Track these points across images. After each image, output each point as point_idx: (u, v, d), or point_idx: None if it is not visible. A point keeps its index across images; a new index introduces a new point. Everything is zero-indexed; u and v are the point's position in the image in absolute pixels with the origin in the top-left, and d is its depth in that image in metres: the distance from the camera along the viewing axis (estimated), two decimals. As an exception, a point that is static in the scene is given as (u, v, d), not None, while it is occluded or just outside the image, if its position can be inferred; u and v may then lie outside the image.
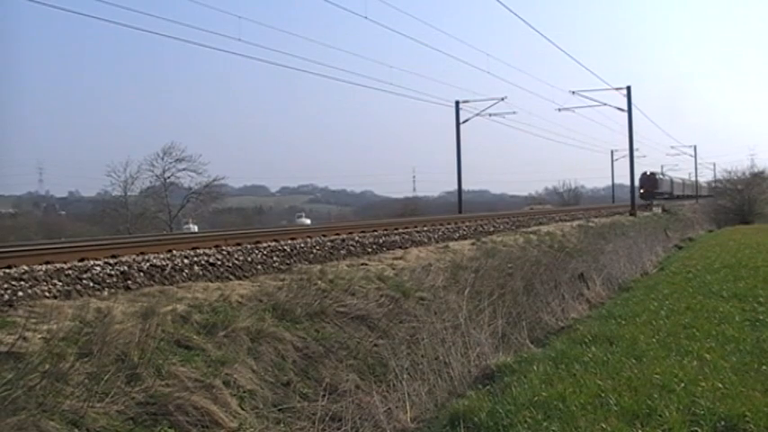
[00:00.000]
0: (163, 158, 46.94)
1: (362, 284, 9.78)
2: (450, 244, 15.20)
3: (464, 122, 35.94)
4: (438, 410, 5.93)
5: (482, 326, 8.10)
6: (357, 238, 13.72)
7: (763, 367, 5.86)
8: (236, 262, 9.93)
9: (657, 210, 42.27)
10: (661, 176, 61.71)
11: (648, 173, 60.33)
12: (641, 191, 57.42)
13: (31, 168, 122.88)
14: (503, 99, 34.93)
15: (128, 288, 7.94)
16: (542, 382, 5.71)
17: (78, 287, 7.52)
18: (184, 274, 8.89)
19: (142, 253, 9.49)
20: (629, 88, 36.05)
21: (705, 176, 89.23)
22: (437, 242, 15.67)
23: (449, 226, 18.43)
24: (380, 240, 14.10)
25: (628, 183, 44.30)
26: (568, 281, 12.91)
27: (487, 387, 5.99)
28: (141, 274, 8.41)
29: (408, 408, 6.05)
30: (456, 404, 5.53)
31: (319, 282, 9.29)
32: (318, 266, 10.45)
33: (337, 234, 14.11)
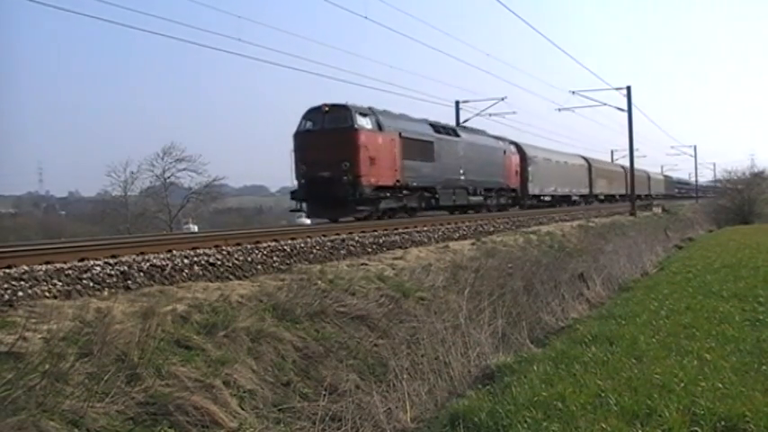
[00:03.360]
0: (163, 158, 47.11)
1: (362, 284, 9.78)
2: (451, 244, 15.19)
3: (464, 122, 35.94)
4: (438, 410, 5.93)
5: (482, 326, 8.10)
6: (357, 238, 13.71)
7: (764, 367, 5.86)
8: (236, 262, 9.93)
9: (657, 210, 42.24)
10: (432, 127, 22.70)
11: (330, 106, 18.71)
12: (302, 181, 18.59)
13: (31, 168, 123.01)
14: (503, 99, 34.32)
15: (128, 288, 7.93)
16: (542, 382, 5.71)
17: (78, 287, 7.51)
18: (184, 274, 8.88)
19: (142, 253, 9.49)
20: (629, 88, 36.03)
21: (705, 176, 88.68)
22: (437, 242, 15.65)
23: (449, 226, 18.41)
24: (380, 240, 14.09)
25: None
26: (568, 281, 12.91)
27: (487, 387, 5.99)
28: (141, 274, 8.40)
29: (408, 408, 6.05)
30: (456, 404, 5.53)
31: (319, 282, 9.29)
32: (318, 266, 10.45)
33: (337, 234, 14.10)
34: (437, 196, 22.34)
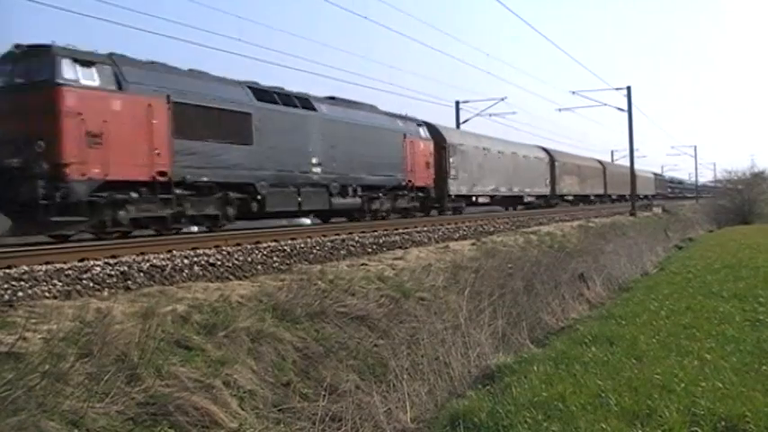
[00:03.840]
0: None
1: (362, 285, 9.78)
2: (451, 244, 15.20)
3: (464, 122, 35.93)
4: (438, 410, 5.93)
5: (482, 326, 8.10)
6: (357, 238, 13.72)
7: (764, 367, 5.86)
8: (236, 262, 9.94)
9: (657, 210, 42.25)
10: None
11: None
12: None
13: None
14: (503, 99, 34.35)
15: (128, 288, 7.95)
16: (542, 382, 5.70)
17: (78, 287, 7.53)
18: (184, 274, 8.90)
19: (142, 253, 9.50)
20: (629, 88, 36.06)
21: (705, 176, 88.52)
22: (437, 242, 15.66)
23: (449, 226, 18.42)
24: (380, 240, 14.10)
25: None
26: (568, 281, 12.90)
27: (487, 387, 5.99)
28: (141, 274, 8.42)
29: (408, 408, 6.05)
30: (456, 404, 5.53)
31: (319, 282, 9.29)
32: (318, 266, 10.45)
33: (337, 234, 14.10)
34: (259, 197, 14.95)
